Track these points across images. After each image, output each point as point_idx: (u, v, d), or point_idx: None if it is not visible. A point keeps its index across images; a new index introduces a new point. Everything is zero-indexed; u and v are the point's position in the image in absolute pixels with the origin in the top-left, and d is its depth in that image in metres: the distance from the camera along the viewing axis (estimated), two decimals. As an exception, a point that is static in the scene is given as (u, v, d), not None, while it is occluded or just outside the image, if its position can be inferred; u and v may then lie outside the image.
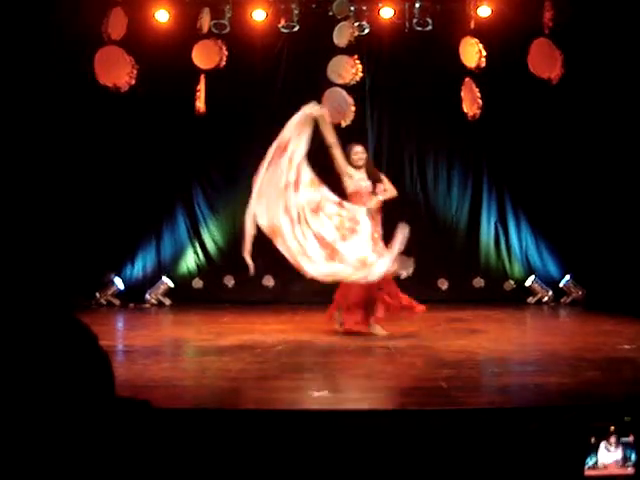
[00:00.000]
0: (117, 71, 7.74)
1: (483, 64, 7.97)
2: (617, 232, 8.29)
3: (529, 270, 9.37)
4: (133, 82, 7.81)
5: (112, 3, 7.91)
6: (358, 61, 8.33)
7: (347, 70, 8.17)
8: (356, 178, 6.23)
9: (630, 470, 2.59)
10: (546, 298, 9.12)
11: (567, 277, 9.11)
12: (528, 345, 5.85)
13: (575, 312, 8.49)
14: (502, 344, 5.65)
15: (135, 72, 7.81)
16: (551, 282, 9.21)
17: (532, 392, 3.80)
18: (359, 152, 6.34)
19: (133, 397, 1.23)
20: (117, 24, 7.83)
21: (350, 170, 6.22)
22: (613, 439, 2.57)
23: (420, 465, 2.90)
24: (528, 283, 9.23)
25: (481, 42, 8.04)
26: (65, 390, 0.91)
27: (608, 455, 2.57)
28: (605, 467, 2.56)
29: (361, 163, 6.31)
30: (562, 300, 9.11)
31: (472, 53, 7.96)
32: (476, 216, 9.50)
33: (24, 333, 0.92)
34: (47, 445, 0.87)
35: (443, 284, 9.29)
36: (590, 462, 2.56)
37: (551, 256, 9.38)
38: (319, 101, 8.13)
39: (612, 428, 2.56)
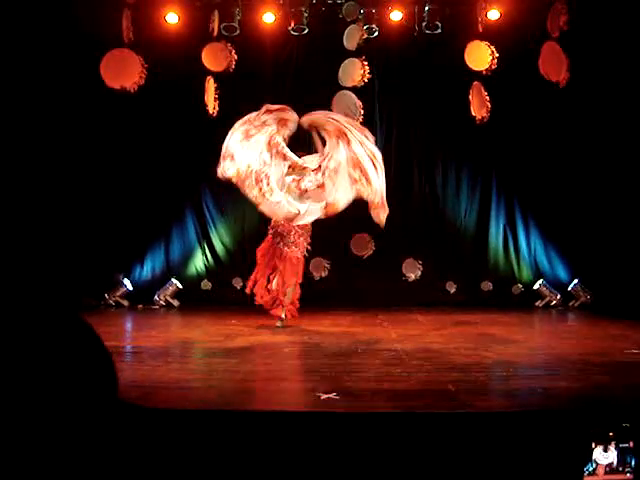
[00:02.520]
0: (125, 73, 7.77)
1: (494, 67, 7.97)
2: (625, 236, 8.26)
3: (537, 274, 9.34)
4: (143, 82, 7.85)
5: (123, 6, 7.96)
6: (366, 62, 8.35)
7: (358, 73, 8.21)
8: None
9: (629, 476, 2.59)
10: (554, 302, 9.10)
11: (575, 281, 9.08)
12: (536, 349, 5.83)
13: (583, 316, 8.46)
14: (510, 348, 5.64)
15: (145, 72, 7.86)
16: (559, 286, 9.19)
17: (540, 396, 3.80)
18: None
19: (127, 400, 1.23)
20: (129, 26, 7.89)
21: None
22: (612, 445, 2.57)
23: (427, 468, 2.91)
24: (536, 287, 9.21)
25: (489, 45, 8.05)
26: (66, 390, 0.91)
27: (607, 461, 2.56)
28: (604, 473, 2.56)
29: None
30: (570, 304, 9.09)
31: (485, 56, 7.96)
32: (485, 219, 9.49)
33: (25, 332, 0.92)
34: (47, 446, 0.88)
35: (451, 287, 9.28)
36: (589, 468, 2.56)
37: (559, 260, 9.35)
38: (329, 104, 8.20)
39: (611, 434, 2.56)
